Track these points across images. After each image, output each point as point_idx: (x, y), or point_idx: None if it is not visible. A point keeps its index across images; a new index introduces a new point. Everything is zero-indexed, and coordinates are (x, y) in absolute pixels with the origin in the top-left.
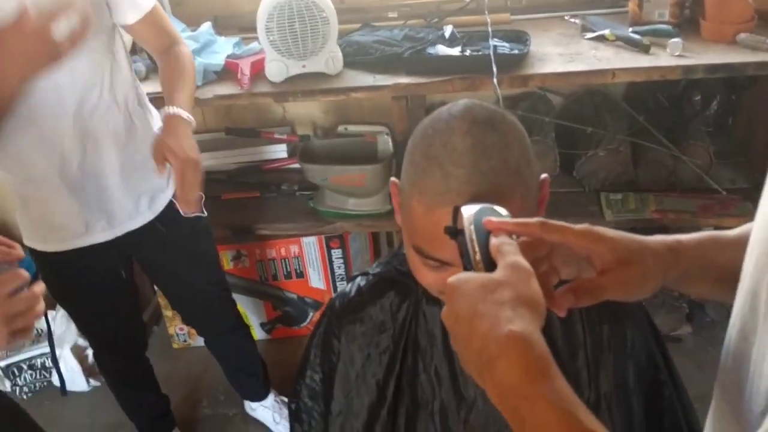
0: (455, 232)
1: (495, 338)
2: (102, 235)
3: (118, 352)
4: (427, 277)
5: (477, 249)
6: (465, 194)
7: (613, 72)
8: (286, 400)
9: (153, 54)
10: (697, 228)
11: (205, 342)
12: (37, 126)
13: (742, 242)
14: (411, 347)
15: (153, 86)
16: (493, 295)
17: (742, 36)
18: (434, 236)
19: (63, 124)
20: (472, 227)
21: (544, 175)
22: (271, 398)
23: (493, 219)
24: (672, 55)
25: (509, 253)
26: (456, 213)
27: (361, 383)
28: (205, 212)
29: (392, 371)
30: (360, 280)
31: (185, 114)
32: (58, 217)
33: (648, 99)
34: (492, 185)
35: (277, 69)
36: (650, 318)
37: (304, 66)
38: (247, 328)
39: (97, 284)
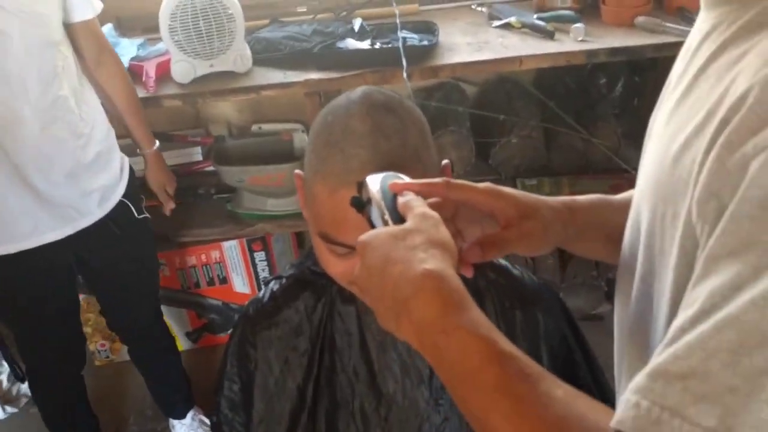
0: (362, 203)
1: (409, 279)
2: (53, 234)
3: (61, 367)
4: (335, 266)
5: (386, 210)
6: (366, 173)
7: (520, 59)
8: (205, 419)
9: (89, 60)
10: None
11: (129, 353)
12: None
13: (629, 204)
14: (328, 347)
15: None
16: (404, 242)
17: (640, 19)
18: (339, 219)
19: (22, 114)
20: (379, 193)
21: (445, 161)
22: (189, 416)
23: (399, 181)
24: (575, 40)
25: (417, 206)
26: (361, 186)
27: (281, 389)
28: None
29: (311, 373)
30: (273, 285)
31: (158, 145)
32: (5, 215)
33: (557, 84)
34: (392, 166)
35: (183, 70)
36: (562, 301)
37: (211, 65)
38: (172, 340)
39: (45, 290)
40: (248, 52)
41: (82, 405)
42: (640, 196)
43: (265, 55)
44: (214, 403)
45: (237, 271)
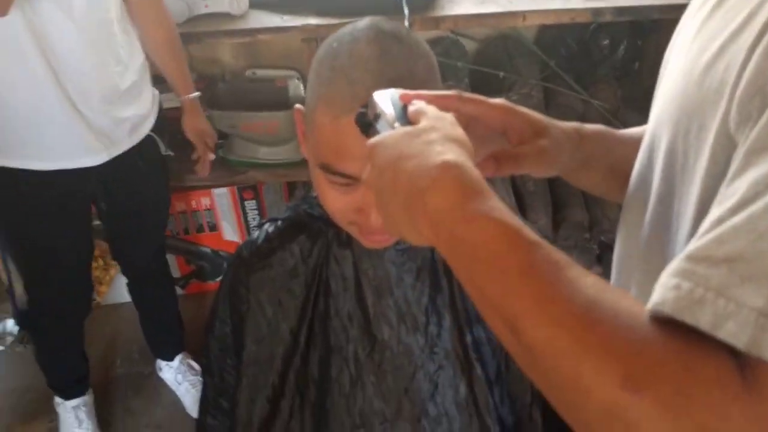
0: (368, 122)
1: (426, 169)
2: (88, 159)
3: (65, 308)
4: (335, 201)
5: (396, 120)
6: None
7: (524, 14)
8: (193, 364)
9: (143, 23)
10: None
11: (129, 288)
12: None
13: (634, 139)
14: (323, 292)
15: None
16: (419, 138)
17: None
18: (341, 147)
19: (69, 36)
20: (388, 103)
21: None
22: (177, 359)
23: (410, 92)
24: None
25: (430, 109)
26: (366, 106)
27: (273, 331)
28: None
29: (305, 317)
30: (268, 227)
31: (198, 93)
32: (51, 133)
33: (558, 44)
34: None
35: (178, 8)
36: None
37: (206, 6)
38: (172, 282)
39: (63, 221)
40: None
41: (78, 348)
42: (658, 121)
43: None
44: (204, 345)
45: (227, 218)
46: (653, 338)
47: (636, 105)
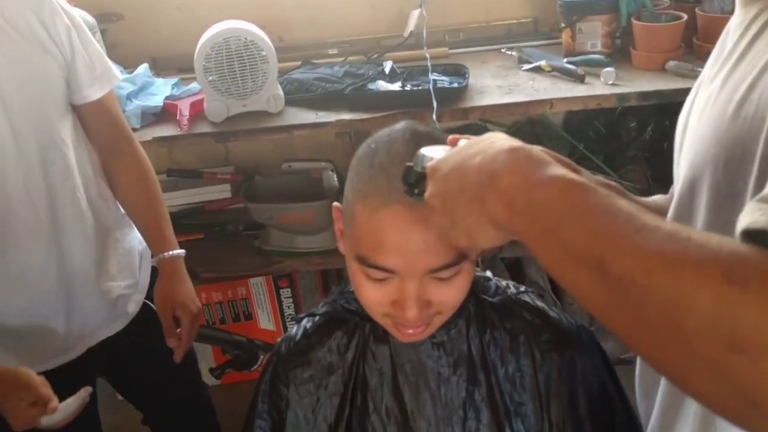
0: (416, 175)
1: (493, 157)
2: (76, 349)
3: None
4: (370, 294)
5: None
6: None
7: (551, 102)
8: None
9: (100, 149)
10: None
11: None
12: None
13: (649, 204)
14: (360, 387)
15: None
16: (478, 144)
17: (671, 64)
18: (379, 241)
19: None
20: (440, 151)
21: None
22: None
23: (458, 135)
24: (606, 84)
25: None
26: (410, 168)
27: (312, 428)
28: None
29: (343, 412)
30: (306, 322)
31: (180, 252)
32: (34, 331)
33: (586, 127)
34: None
35: (217, 109)
36: (599, 344)
37: (244, 105)
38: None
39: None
40: (281, 93)
41: None
42: (694, 169)
43: (297, 95)
44: None
45: (262, 307)
46: (746, 248)
47: (667, 183)
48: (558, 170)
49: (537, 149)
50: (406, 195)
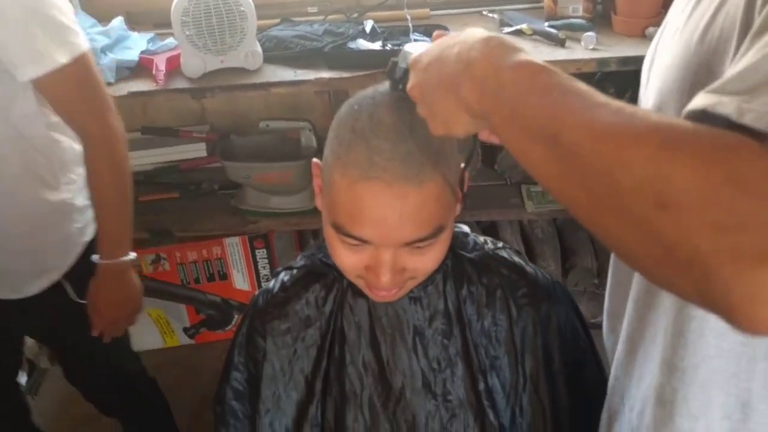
0: (400, 73)
1: (469, 47)
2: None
3: None
4: (344, 258)
5: None
6: (389, 170)
7: None
8: None
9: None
10: None
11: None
12: None
13: None
14: (338, 339)
15: None
16: (458, 37)
17: (651, 30)
18: (355, 212)
19: None
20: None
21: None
22: None
23: (442, 31)
24: (587, 49)
25: None
26: (399, 56)
27: (288, 380)
28: None
29: (320, 365)
30: (284, 275)
31: (132, 257)
32: None
33: None
34: (416, 161)
35: (193, 64)
36: (573, 299)
37: (222, 61)
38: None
39: None
40: (259, 49)
41: None
42: (661, 96)
43: (276, 52)
44: (218, 394)
45: (238, 267)
46: (685, 123)
47: None
48: (526, 56)
49: (511, 39)
50: (385, 170)
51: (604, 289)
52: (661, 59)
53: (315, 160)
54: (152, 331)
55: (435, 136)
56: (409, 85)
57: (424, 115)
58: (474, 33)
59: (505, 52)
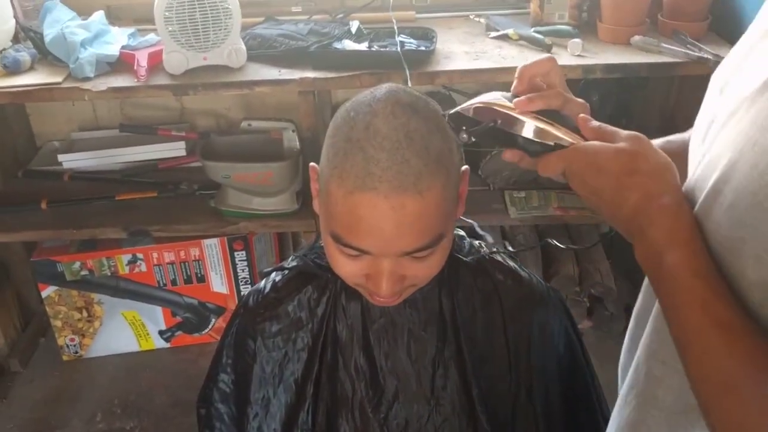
0: (477, 126)
1: (645, 210)
2: None
3: None
4: (344, 266)
5: (554, 123)
6: (386, 180)
7: (517, 69)
8: None
9: None
10: (596, 226)
11: None
12: None
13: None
14: (331, 343)
15: (37, 77)
16: (634, 162)
17: (636, 38)
18: (353, 223)
19: None
20: (527, 127)
21: (464, 167)
22: None
23: (522, 98)
24: (572, 55)
25: (615, 129)
26: (459, 117)
27: (278, 383)
28: None
29: (311, 368)
30: (275, 276)
31: None
32: None
33: None
34: (413, 171)
35: (176, 61)
36: (566, 305)
37: (205, 58)
38: None
39: None
40: (243, 47)
41: None
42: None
43: (260, 51)
44: (203, 395)
45: (216, 270)
46: None
47: None
48: (688, 252)
49: (686, 211)
50: (382, 181)
51: (585, 296)
52: (740, 117)
53: (312, 164)
54: (127, 334)
55: (433, 143)
56: (568, 173)
57: (581, 192)
58: (654, 181)
59: (669, 237)
